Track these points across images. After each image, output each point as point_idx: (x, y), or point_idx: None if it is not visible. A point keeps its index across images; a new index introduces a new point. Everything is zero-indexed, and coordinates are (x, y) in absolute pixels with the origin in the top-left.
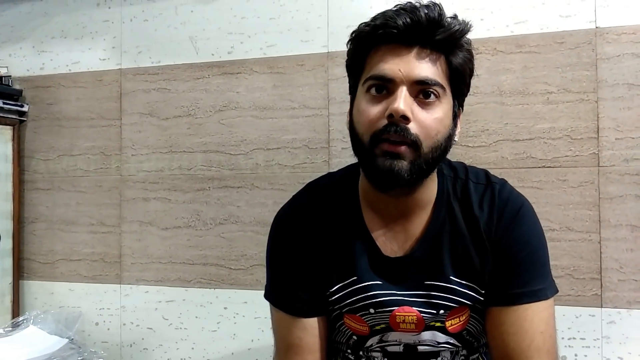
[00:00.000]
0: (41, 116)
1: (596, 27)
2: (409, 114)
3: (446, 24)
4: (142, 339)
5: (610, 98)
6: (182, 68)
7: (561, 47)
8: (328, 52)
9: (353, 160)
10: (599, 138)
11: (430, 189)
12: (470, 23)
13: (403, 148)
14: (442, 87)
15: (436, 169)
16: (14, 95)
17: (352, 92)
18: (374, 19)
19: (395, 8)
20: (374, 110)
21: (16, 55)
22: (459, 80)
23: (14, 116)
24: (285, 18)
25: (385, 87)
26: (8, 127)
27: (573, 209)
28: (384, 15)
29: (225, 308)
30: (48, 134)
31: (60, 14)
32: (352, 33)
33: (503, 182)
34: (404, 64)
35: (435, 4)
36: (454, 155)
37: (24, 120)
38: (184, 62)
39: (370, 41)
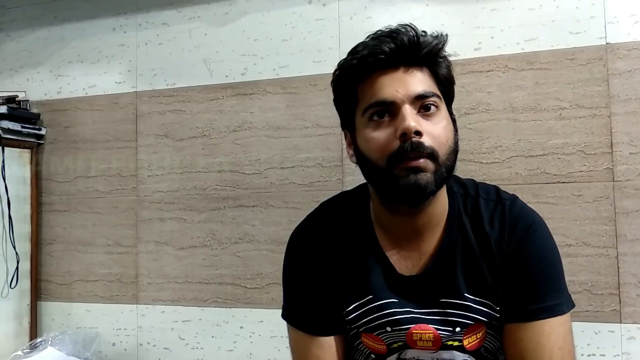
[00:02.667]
0: (58, 139)
1: (607, 43)
2: (420, 129)
3: (424, 40)
4: (159, 359)
5: (623, 113)
6: (196, 90)
7: (572, 64)
8: None
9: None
10: (613, 153)
11: (442, 205)
12: (445, 34)
13: (422, 161)
14: (438, 96)
15: (446, 187)
16: (32, 119)
17: (347, 126)
18: (357, 52)
19: (372, 38)
20: (383, 134)
21: (34, 80)
22: (447, 87)
23: (32, 139)
24: (298, 39)
25: (387, 111)
26: (26, 150)
27: (589, 224)
28: (366, 46)
29: (241, 327)
30: (65, 156)
31: (76, 38)
32: (336, 70)
33: (514, 198)
34: (398, 84)
35: (408, 25)
36: (467, 171)
37: (42, 144)
38: (198, 84)
39: (360, 72)
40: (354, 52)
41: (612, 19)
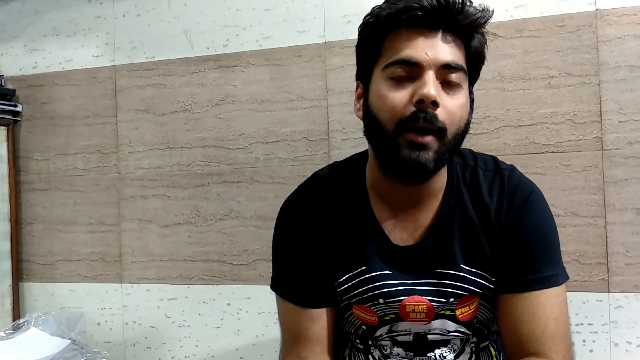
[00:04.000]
0: (35, 115)
1: (596, 9)
2: (439, 100)
3: (469, 8)
4: (145, 337)
5: (612, 81)
6: (177, 63)
7: (561, 31)
8: (325, 42)
9: (354, 151)
10: (602, 121)
11: (442, 177)
12: (492, 9)
13: (429, 138)
14: (465, 72)
15: None
16: (7, 95)
17: (363, 77)
18: (393, 1)
19: None
20: (399, 96)
21: (8, 55)
22: (476, 66)
23: (7, 116)
24: (281, 9)
25: (409, 71)
26: (2, 127)
27: (578, 193)
28: None
29: (228, 304)
30: (43, 133)
31: (51, 11)
32: (368, 15)
33: (512, 169)
34: (429, 47)
35: None
36: None
37: (18, 120)
38: (179, 57)
39: (391, 24)
40: (389, 1)
41: None
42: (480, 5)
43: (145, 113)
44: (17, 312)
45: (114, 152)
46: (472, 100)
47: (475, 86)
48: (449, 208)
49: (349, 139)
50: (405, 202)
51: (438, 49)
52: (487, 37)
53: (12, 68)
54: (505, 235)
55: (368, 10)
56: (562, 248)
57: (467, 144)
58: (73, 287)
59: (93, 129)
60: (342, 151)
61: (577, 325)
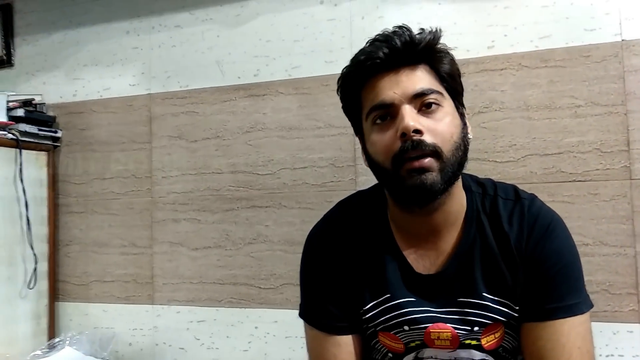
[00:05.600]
0: (74, 141)
1: (622, 40)
2: (419, 126)
3: (418, 39)
4: (175, 359)
5: (639, 110)
6: (209, 91)
7: (587, 61)
8: None
9: None
10: (630, 151)
11: (458, 202)
12: (439, 28)
13: (427, 160)
14: (438, 92)
15: (462, 182)
16: (48, 122)
17: (358, 132)
18: (355, 59)
19: (369, 44)
20: (386, 136)
21: (50, 83)
22: (451, 81)
23: (48, 142)
24: (309, 40)
25: (388, 113)
26: (43, 152)
27: (606, 223)
28: (363, 51)
29: (256, 327)
30: (81, 158)
31: (91, 42)
32: (339, 80)
33: (532, 198)
34: (396, 85)
35: (403, 27)
36: (482, 171)
37: (58, 146)
38: (211, 86)
39: (360, 78)
40: (353, 59)
41: (628, 14)
42: (429, 28)
43: (178, 139)
44: (52, 331)
45: (148, 177)
46: (462, 115)
47: (501, 115)
48: (469, 237)
49: None
50: (424, 231)
51: (405, 84)
52: (451, 53)
53: (53, 96)
54: (525, 264)
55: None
56: (590, 278)
57: (494, 172)
58: (106, 308)
59: (128, 155)
60: (369, 177)
61: (607, 356)
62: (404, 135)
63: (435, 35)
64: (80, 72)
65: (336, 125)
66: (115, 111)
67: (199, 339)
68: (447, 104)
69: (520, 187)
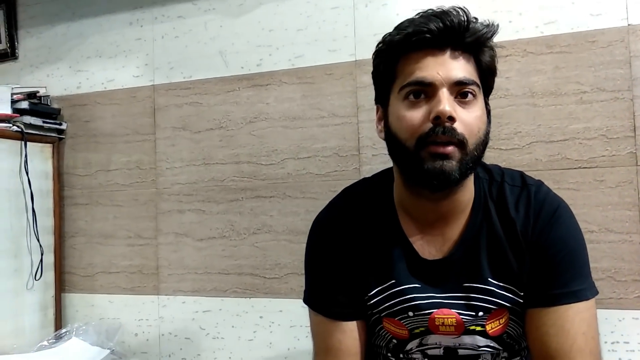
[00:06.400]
0: (78, 133)
1: (628, 25)
2: (454, 114)
3: (474, 25)
4: (181, 349)
5: None
6: (212, 82)
7: (593, 46)
8: (356, 61)
9: (384, 167)
10: (636, 136)
11: (468, 191)
12: (497, 24)
13: (451, 148)
14: (477, 85)
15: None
16: (53, 114)
17: (381, 101)
18: (402, 27)
19: (420, 15)
20: (416, 114)
21: (54, 76)
22: (488, 78)
23: (53, 134)
24: (312, 29)
25: (423, 91)
26: (48, 144)
27: (612, 209)
28: (412, 23)
29: (261, 317)
30: (85, 150)
31: (94, 34)
32: (380, 43)
33: (539, 184)
34: (440, 66)
35: (460, 8)
36: (487, 158)
37: (63, 138)
38: (214, 76)
39: (402, 49)
40: (399, 27)
41: None
42: (485, 21)
43: (182, 130)
44: (59, 322)
45: (152, 168)
46: (488, 112)
47: (506, 102)
48: (476, 223)
49: (379, 155)
50: (431, 218)
51: (449, 67)
52: (495, 51)
53: (57, 88)
54: (531, 250)
55: (397, 25)
56: (596, 265)
57: (499, 159)
58: (112, 299)
59: (132, 146)
60: (373, 167)
61: (613, 343)
62: (437, 118)
63: (492, 30)
64: (84, 64)
65: (340, 115)
66: (119, 103)
67: (204, 329)
68: (480, 98)
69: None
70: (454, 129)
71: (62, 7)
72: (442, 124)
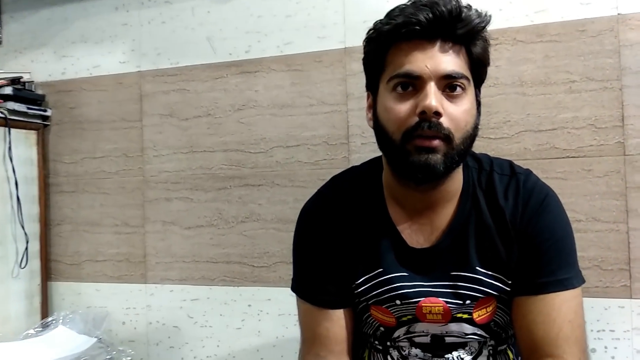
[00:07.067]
0: (64, 120)
1: (618, 14)
2: (441, 110)
3: (466, 15)
4: (169, 337)
5: (634, 85)
6: (200, 68)
7: (583, 35)
8: (345, 48)
9: (373, 155)
10: (624, 126)
11: (457, 180)
12: (489, 14)
13: (436, 142)
14: (467, 78)
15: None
16: (37, 100)
17: (371, 88)
18: (392, 16)
19: (411, 3)
20: (403, 107)
21: (38, 61)
22: (480, 69)
23: (37, 121)
24: (302, 15)
25: (411, 84)
26: (32, 131)
27: (599, 199)
28: (402, 12)
29: (249, 305)
30: (71, 137)
31: (79, 18)
32: (370, 31)
33: (528, 173)
34: (429, 59)
35: None
36: (476, 147)
37: (48, 125)
38: (202, 63)
39: (391, 38)
40: (389, 15)
41: None
42: (477, 10)
43: (169, 117)
44: (45, 310)
45: (139, 156)
46: (478, 103)
47: (495, 90)
48: (464, 211)
49: (369, 143)
50: (419, 207)
51: (437, 60)
52: (489, 41)
53: (42, 74)
54: (520, 239)
55: (389, 11)
56: (583, 254)
57: (488, 148)
58: (99, 287)
59: (119, 133)
60: (362, 155)
61: (599, 331)
62: (424, 113)
63: (484, 20)
64: (69, 49)
65: (329, 103)
66: (105, 89)
67: (192, 317)
68: (470, 91)
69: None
70: (440, 124)
71: None
72: (428, 119)
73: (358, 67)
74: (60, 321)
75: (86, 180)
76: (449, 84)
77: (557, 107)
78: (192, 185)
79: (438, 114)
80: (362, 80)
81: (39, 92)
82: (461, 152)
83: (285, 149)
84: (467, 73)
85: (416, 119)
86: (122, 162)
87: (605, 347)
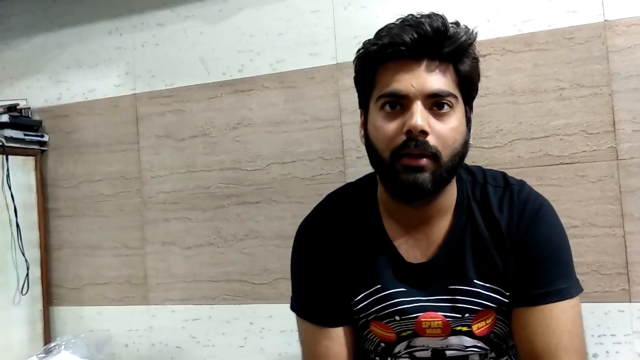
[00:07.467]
0: (61, 145)
1: (605, 20)
2: (427, 128)
3: (452, 34)
4: (172, 358)
5: (624, 90)
6: (194, 89)
7: (570, 43)
8: (337, 64)
9: (369, 169)
10: (616, 131)
11: (450, 195)
12: (475, 31)
13: (424, 160)
14: (454, 96)
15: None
16: (34, 127)
17: (363, 106)
18: (380, 36)
19: (399, 23)
20: (391, 126)
21: (34, 87)
22: (469, 86)
23: (35, 146)
24: (293, 33)
25: (399, 103)
26: (30, 157)
27: (594, 204)
28: (389, 32)
29: (251, 323)
30: (69, 161)
31: (73, 43)
32: (359, 50)
33: (521, 183)
34: (415, 79)
35: (437, 15)
36: (469, 157)
37: (45, 150)
38: (196, 83)
39: (379, 59)
40: (377, 35)
41: None
42: (466, 27)
43: (165, 139)
44: (48, 336)
45: (137, 178)
46: (468, 120)
47: (487, 100)
48: (460, 225)
49: (364, 157)
50: (415, 222)
51: (424, 79)
52: (477, 58)
53: (38, 100)
54: (516, 250)
55: (378, 30)
56: (580, 259)
57: (481, 158)
58: (100, 310)
59: (116, 156)
60: (358, 169)
61: (599, 336)
62: (410, 132)
63: (470, 37)
64: (64, 74)
65: (323, 118)
66: (101, 113)
67: (194, 337)
68: (459, 108)
69: (508, 172)
70: (426, 142)
71: (39, 18)
72: (414, 138)
73: (350, 82)
74: (63, 346)
75: (85, 204)
76: (436, 102)
77: (548, 114)
78: (190, 205)
79: (424, 133)
80: (354, 94)
81: (36, 118)
82: (450, 169)
83: (281, 165)
84: (455, 91)
85: (404, 137)
86: (120, 184)
87: (607, 352)
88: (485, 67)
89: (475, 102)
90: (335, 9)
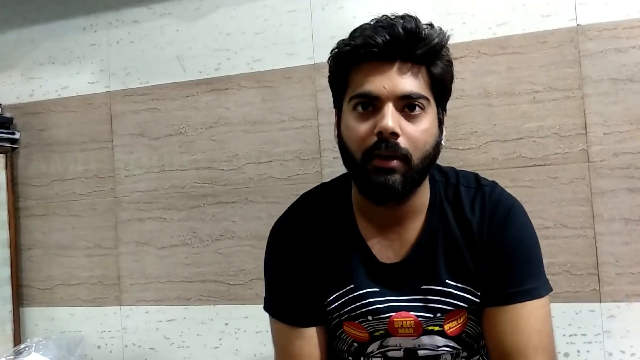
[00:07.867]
0: (33, 142)
1: (577, 25)
2: (398, 130)
3: (424, 36)
4: (145, 359)
5: (595, 94)
6: (170, 87)
7: (544, 47)
8: (314, 64)
9: (345, 169)
10: (587, 134)
11: (423, 195)
12: (448, 33)
13: (395, 162)
14: (426, 98)
15: (428, 176)
16: (5, 123)
17: (337, 105)
18: (353, 37)
19: (372, 24)
20: (363, 127)
21: (5, 83)
22: (441, 89)
23: (6, 144)
24: (270, 32)
25: (371, 104)
26: (0, 155)
27: (566, 205)
28: (362, 33)
29: (226, 324)
30: (40, 159)
31: (47, 40)
32: (332, 51)
33: (493, 185)
34: (387, 80)
35: (411, 17)
36: (444, 159)
37: (16, 148)
38: (172, 81)
39: (352, 60)
40: (351, 36)
41: (582, 0)
42: (440, 28)
43: (140, 137)
44: (18, 337)
45: (111, 177)
46: (440, 122)
47: (461, 102)
48: (432, 225)
49: (340, 157)
50: (388, 222)
51: (395, 81)
52: (451, 60)
53: (9, 96)
54: (487, 250)
55: (351, 31)
56: (552, 260)
57: (456, 159)
58: (73, 311)
59: (89, 154)
60: (334, 169)
61: (570, 335)
62: (381, 133)
63: (442, 39)
64: (37, 71)
65: (300, 118)
66: (75, 110)
67: (169, 338)
68: (431, 110)
69: (482, 173)
70: (397, 144)
71: (11, 13)
72: (385, 139)
73: (327, 82)
74: (34, 348)
75: (57, 203)
76: (408, 104)
77: (522, 117)
78: (165, 205)
79: (395, 135)
80: (331, 95)
81: (7, 114)
82: (420, 171)
83: (257, 165)
84: (427, 93)
85: (375, 138)
86: (94, 183)
87: (578, 351)
88: (461, 70)
89: (451, 104)
90: (313, 9)
